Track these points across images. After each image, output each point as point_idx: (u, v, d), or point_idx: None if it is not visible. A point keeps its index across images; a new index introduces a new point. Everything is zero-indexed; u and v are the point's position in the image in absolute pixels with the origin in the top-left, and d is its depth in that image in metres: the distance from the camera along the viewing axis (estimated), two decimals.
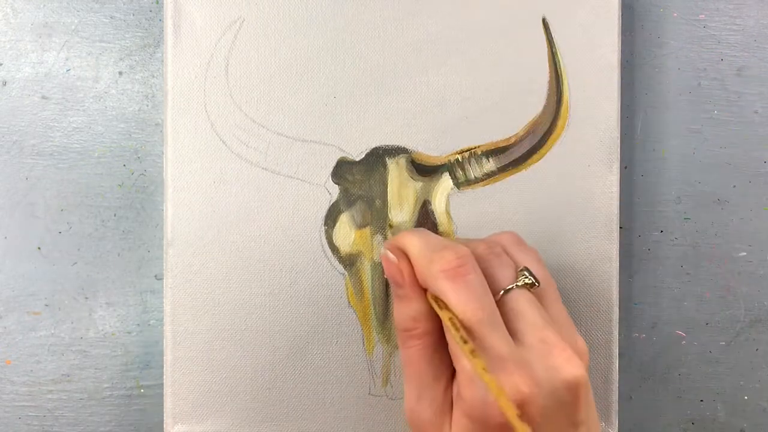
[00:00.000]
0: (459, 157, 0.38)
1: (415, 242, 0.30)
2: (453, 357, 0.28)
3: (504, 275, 0.29)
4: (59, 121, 0.39)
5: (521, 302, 0.29)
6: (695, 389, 0.42)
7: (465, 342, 0.26)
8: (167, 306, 0.37)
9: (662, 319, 0.42)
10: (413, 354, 0.29)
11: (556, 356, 0.27)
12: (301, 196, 0.37)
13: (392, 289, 0.30)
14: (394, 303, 0.30)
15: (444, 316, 0.27)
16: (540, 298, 0.30)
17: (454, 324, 0.27)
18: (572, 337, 0.29)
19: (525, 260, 0.31)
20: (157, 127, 0.40)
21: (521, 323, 0.28)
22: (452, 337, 0.27)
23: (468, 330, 0.27)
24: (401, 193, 0.37)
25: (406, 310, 0.29)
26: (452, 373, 0.29)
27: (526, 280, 0.29)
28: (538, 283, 0.29)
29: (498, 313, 0.28)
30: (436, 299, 0.28)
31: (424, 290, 0.29)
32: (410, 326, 0.29)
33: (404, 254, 0.30)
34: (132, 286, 0.40)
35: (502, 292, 0.29)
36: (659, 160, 0.42)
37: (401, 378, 0.37)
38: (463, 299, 0.27)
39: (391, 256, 0.30)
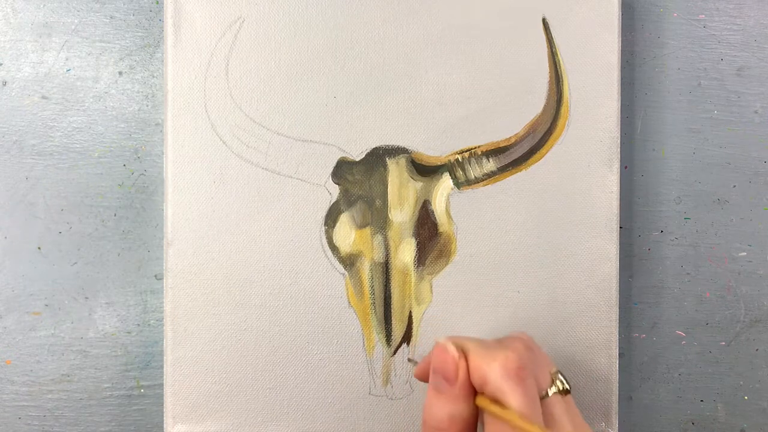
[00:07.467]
0: (459, 157, 0.38)
1: (472, 341, 0.30)
2: None
3: (542, 377, 0.30)
4: (59, 121, 0.39)
5: (558, 408, 0.30)
6: (695, 389, 0.42)
7: None
8: (167, 306, 0.37)
9: (662, 319, 0.42)
10: None
11: None
12: (301, 196, 0.37)
13: (434, 383, 0.29)
14: (429, 398, 0.29)
15: (505, 415, 0.27)
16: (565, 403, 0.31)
17: (522, 422, 0.27)
18: None
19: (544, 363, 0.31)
20: (157, 127, 0.40)
21: (557, 429, 0.29)
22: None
23: None
24: (401, 193, 0.37)
25: (446, 408, 0.29)
26: None
27: (562, 386, 0.30)
28: (570, 389, 0.30)
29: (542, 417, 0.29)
30: (493, 401, 0.28)
31: (473, 393, 0.29)
32: (445, 426, 0.29)
33: (463, 352, 0.29)
34: (132, 286, 0.40)
35: (542, 395, 0.30)
36: (659, 160, 0.42)
37: (401, 378, 0.37)
38: (524, 402, 0.28)
39: (453, 349, 0.29)
